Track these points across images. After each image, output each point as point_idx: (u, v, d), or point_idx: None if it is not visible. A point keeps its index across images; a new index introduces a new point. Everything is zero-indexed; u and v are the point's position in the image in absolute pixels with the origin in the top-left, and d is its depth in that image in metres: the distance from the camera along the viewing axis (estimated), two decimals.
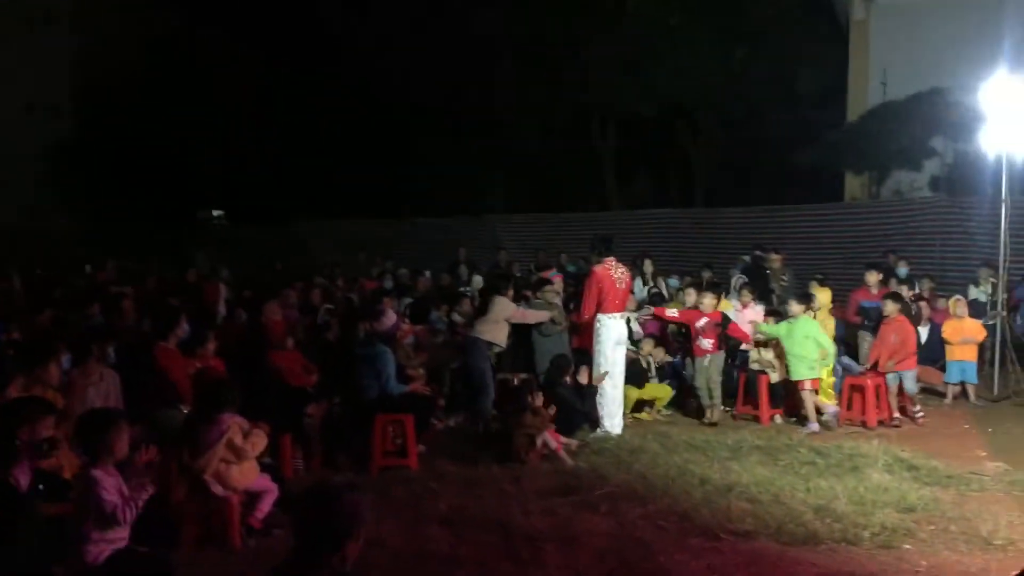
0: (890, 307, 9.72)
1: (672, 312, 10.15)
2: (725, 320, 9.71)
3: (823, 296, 10.50)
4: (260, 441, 5.60)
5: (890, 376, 9.46)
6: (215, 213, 35.51)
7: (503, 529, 5.83)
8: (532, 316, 9.49)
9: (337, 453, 7.44)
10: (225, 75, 27.80)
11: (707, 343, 9.47)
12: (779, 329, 9.52)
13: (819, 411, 9.34)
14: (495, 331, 9.20)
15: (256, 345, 7.77)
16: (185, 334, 6.94)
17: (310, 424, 7.29)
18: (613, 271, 8.97)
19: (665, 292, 12.81)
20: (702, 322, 9.50)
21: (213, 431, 5.39)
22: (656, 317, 10.39)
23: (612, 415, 8.83)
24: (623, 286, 9.06)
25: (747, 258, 14.34)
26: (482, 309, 9.57)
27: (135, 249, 20.11)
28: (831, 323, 10.47)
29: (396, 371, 7.99)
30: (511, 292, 9.73)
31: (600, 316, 8.88)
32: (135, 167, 28.50)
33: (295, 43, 26.10)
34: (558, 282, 10.72)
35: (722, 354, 9.67)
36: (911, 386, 9.55)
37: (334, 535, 2.88)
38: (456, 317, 10.65)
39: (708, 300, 9.63)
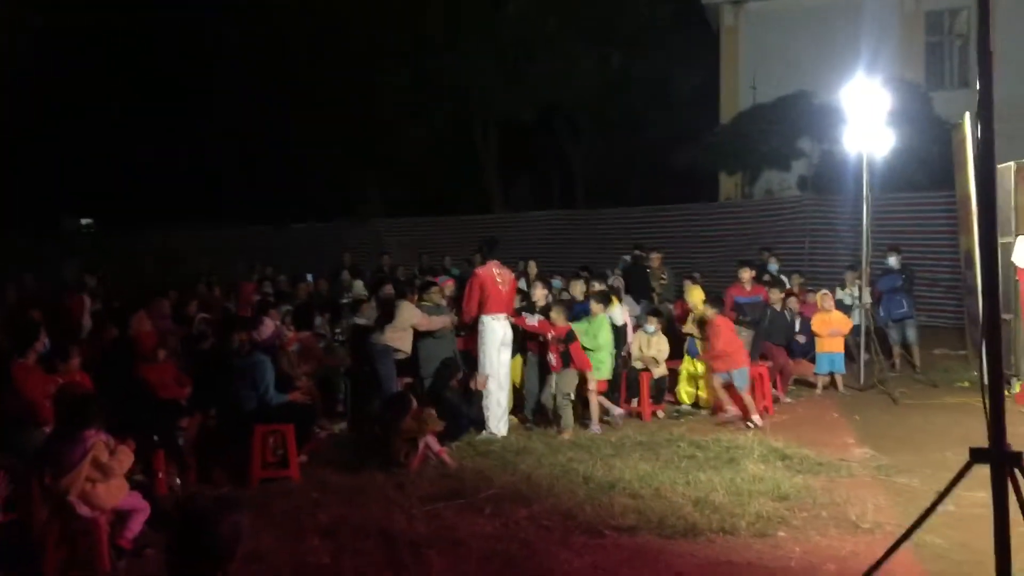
0: (709, 312, 9.66)
1: (532, 321, 9.48)
2: (570, 336, 9.05)
3: (694, 295, 10.73)
4: (127, 458, 5.35)
5: (721, 375, 9.48)
6: (83, 221, 34.02)
7: (386, 537, 5.74)
8: (438, 322, 9.34)
9: (214, 467, 7.19)
10: (93, 76, 26.54)
11: (553, 359, 9.01)
12: (580, 326, 9.31)
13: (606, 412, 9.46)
14: (402, 338, 9.12)
15: (124, 358, 7.44)
16: (45, 349, 6.58)
17: (184, 438, 7.02)
18: (495, 272, 8.98)
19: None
20: (550, 336, 9.06)
21: (76, 449, 5.11)
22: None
23: (498, 417, 8.85)
24: (506, 287, 9.06)
25: (628, 258, 14.59)
26: (387, 316, 9.44)
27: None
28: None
29: (281, 380, 7.80)
30: (415, 297, 9.66)
31: (483, 317, 8.90)
32: None
33: (167, 43, 25.16)
34: (449, 286, 10.65)
35: (572, 372, 9.02)
36: (740, 383, 9.35)
37: (212, 558, 2.76)
38: (360, 321, 10.40)
39: (555, 314, 9.11)
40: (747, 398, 9.29)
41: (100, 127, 26.82)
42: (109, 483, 5.23)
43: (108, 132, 26.79)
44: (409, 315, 9.10)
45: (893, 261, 12.20)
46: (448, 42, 21.42)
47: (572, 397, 9.02)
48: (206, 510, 2.90)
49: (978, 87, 3.44)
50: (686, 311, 10.61)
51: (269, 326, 7.90)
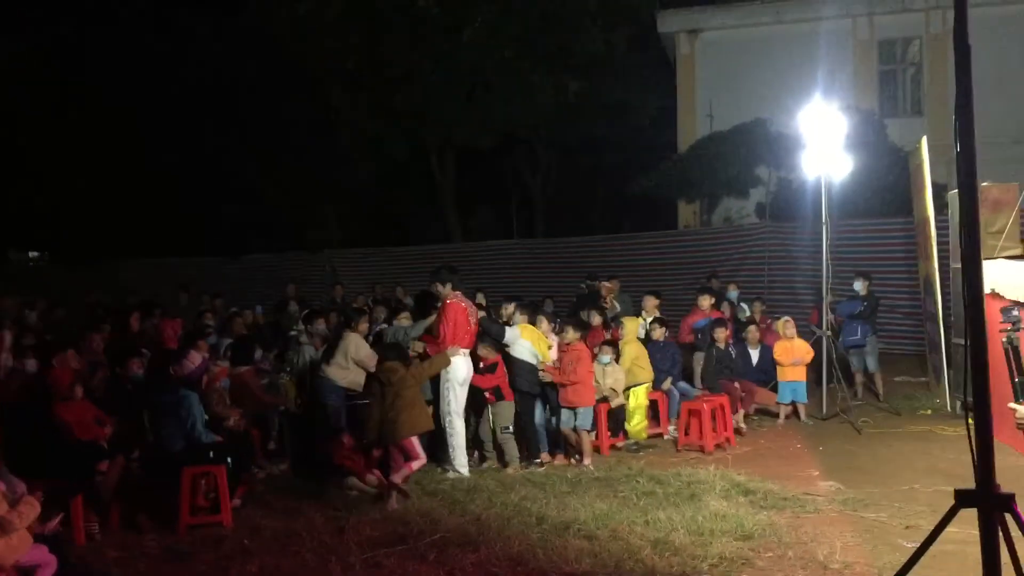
0: (570, 336, 8.99)
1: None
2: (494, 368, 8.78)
3: (630, 325, 10.40)
4: (30, 510, 4.85)
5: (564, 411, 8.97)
6: (31, 254, 33.15)
7: None
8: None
9: (138, 513, 6.65)
10: (45, 103, 25.80)
11: (487, 392, 8.73)
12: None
13: None
14: (346, 373, 8.62)
15: (39, 397, 6.91)
16: None
17: (105, 482, 6.49)
18: (465, 304, 8.52)
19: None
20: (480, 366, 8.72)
21: None
22: None
23: (463, 455, 8.35)
24: (473, 321, 8.61)
25: (584, 286, 14.31)
26: (332, 347, 8.97)
27: None
28: (633, 348, 10.06)
29: (209, 419, 7.32)
30: (364, 327, 9.17)
31: (448, 352, 8.28)
32: None
33: (116, 70, 24.52)
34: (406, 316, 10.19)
35: (507, 405, 8.69)
36: (583, 422, 8.77)
37: None
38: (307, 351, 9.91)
39: (483, 349, 8.71)
40: (586, 439, 8.77)
41: (53, 157, 26.07)
42: (9, 538, 4.72)
43: (60, 163, 26.05)
44: (354, 349, 8.60)
45: (859, 286, 11.98)
46: (405, 70, 21.10)
47: (511, 430, 8.60)
48: None
49: (955, 90, 3.13)
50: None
51: (195, 359, 7.40)
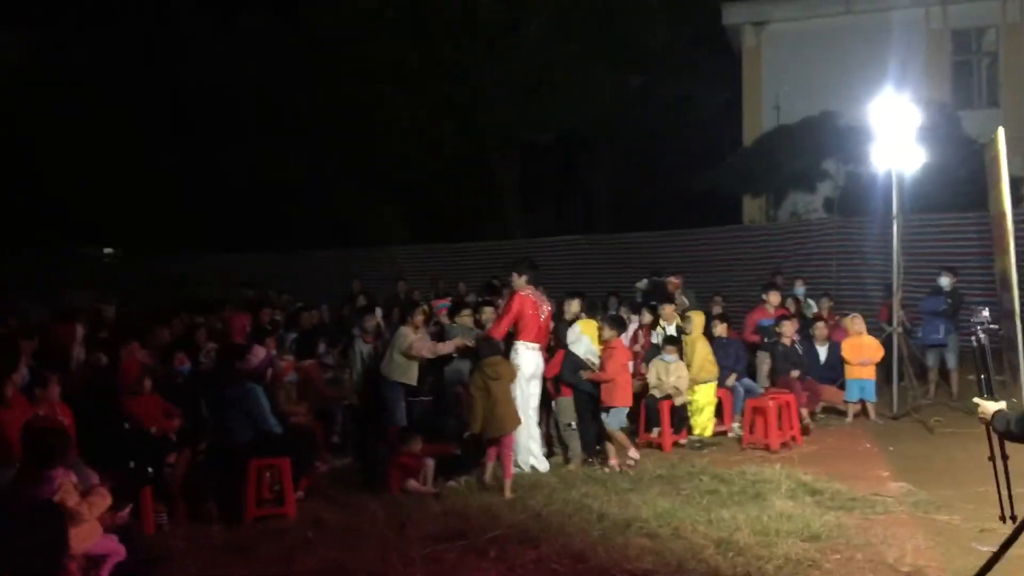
0: (607, 334, 8.77)
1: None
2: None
3: (697, 319, 10.23)
4: (101, 500, 4.95)
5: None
6: (106, 250, 34.03)
7: None
8: (442, 348, 8.87)
9: (205, 504, 6.77)
10: (123, 104, 26.48)
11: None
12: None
13: None
14: (400, 367, 8.62)
15: (109, 390, 7.07)
16: (24, 380, 6.22)
17: (173, 473, 6.62)
18: (536, 299, 8.46)
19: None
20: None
21: (42, 492, 4.72)
22: None
23: (528, 450, 8.25)
24: (544, 317, 8.55)
25: (645, 282, 14.17)
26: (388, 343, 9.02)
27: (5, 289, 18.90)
28: (703, 344, 9.98)
29: (275, 414, 7.40)
30: (419, 320, 9.15)
31: (517, 344, 8.30)
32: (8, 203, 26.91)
33: (189, 76, 25.06)
34: (444, 314, 10.22)
35: (568, 400, 8.61)
36: (615, 422, 8.54)
37: None
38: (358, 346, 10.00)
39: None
40: (619, 436, 8.54)
41: (128, 156, 26.75)
42: (79, 527, 4.83)
43: (137, 161, 26.71)
44: (401, 343, 8.59)
45: (945, 282, 11.62)
46: (465, 67, 21.12)
47: (574, 426, 8.54)
48: None
49: None
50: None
51: (259, 353, 7.49)
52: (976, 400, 4.43)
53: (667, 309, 10.87)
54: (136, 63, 24.88)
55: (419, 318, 9.04)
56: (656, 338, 10.41)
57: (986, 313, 6.29)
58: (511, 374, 7.90)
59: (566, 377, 8.60)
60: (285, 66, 22.57)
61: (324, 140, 22.87)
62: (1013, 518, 4.35)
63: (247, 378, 7.10)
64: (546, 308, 8.65)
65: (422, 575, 5.47)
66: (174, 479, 6.66)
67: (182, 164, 25.72)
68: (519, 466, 8.18)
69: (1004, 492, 4.43)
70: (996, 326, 7.23)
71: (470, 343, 8.88)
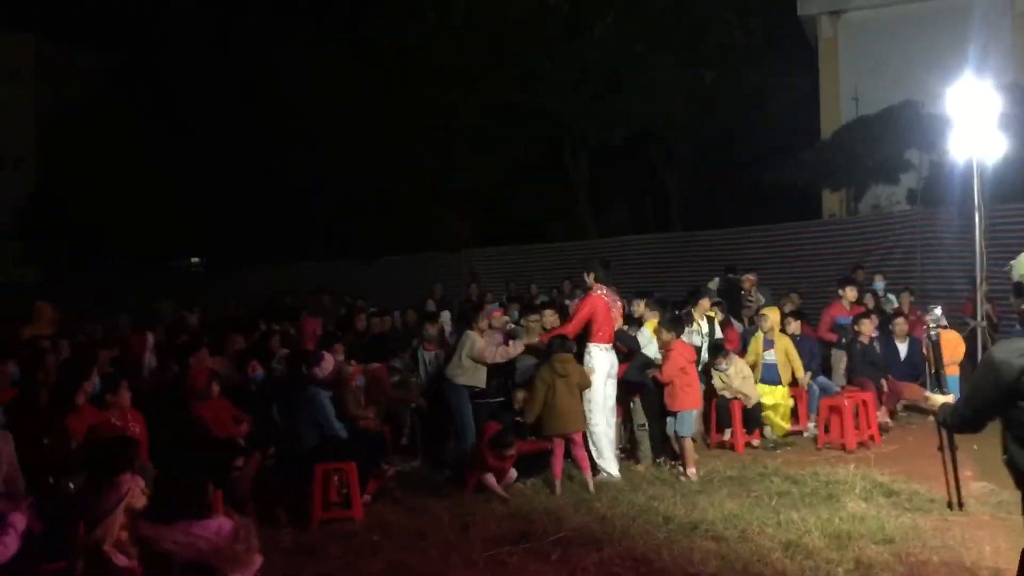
0: (665, 336, 8.56)
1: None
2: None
3: (772, 315, 9.99)
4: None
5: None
6: (193, 260, 35.09)
7: None
8: (504, 352, 8.68)
9: (274, 508, 6.90)
10: (194, 117, 27.35)
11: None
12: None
13: None
14: (466, 372, 8.53)
15: (177, 396, 7.26)
16: (95, 388, 6.43)
17: (241, 478, 6.76)
18: (609, 299, 8.31)
19: None
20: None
21: (111, 496, 4.87)
22: None
23: (610, 454, 8.11)
24: (616, 315, 8.46)
25: (718, 280, 13.94)
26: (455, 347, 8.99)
27: (100, 299, 19.66)
28: (783, 339, 9.81)
29: (343, 419, 7.49)
30: (484, 324, 9.04)
31: (590, 346, 8.16)
32: (104, 216, 28.01)
33: (252, 85, 25.70)
34: (497, 316, 10.16)
35: (639, 401, 8.61)
36: (684, 429, 8.20)
37: None
38: (421, 354, 10.08)
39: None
40: (688, 446, 8.16)
41: (210, 171, 27.60)
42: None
43: (216, 176, 27.54)
44: (469, 347, 8.53)
45: None
46: (531, 68, 21.08)
47: (646, 427, 8.41)
48: None
49: None
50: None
51: (329, 360, 7.60)
52: (927, 394, 4.80)
53: (703, 303, 10.49)
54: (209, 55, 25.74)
55: (484, 322, 8.99)
56: (689, 337, 9.75)
57: (939, 311, 6.53)
58: (580, 375, 7.83)
59: (630, 376, 8.50)
60: (353, 77, 22.87)
61: (392, 151, 23.09)
62: (960, 505, 4.81)
63: (314, 383, 7.21)
64: (617, 306, 8.55)
65: None
66: (242, 483, 6.80)
67: (266, 175, 26.37)
68: (606, 471, 7.99)
69: (952, 480, 4.73)
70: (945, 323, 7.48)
71: (539, 343, 8.78)
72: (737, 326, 11.42)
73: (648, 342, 8.88)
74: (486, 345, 8.61)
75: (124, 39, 30.66)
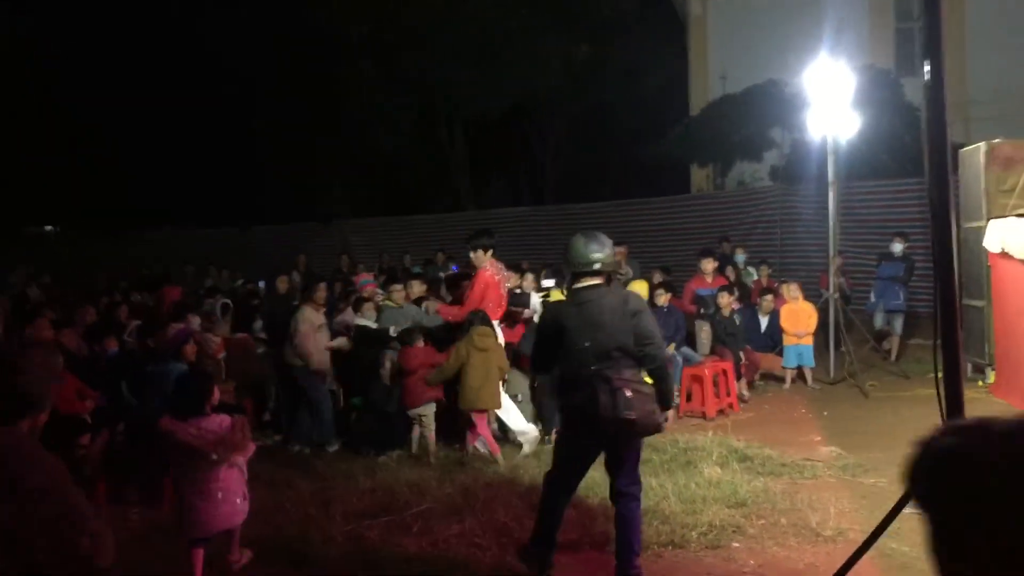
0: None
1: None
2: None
3: (637, 287, 10.15)
4: None
5: None
6: (47, 228, 33.29)
7: (295, 561, 5.20)
8: (332, 344, 8.52)
9: (125, 487, 6.59)
10: (58, 81, 25.77)
11: None
12: None
13: None
14: (304, 350, 8.22)
15: None
16: None
17: (88, 456, 6.43)
18: (498, 274, 8.24)
19: None
20: None
21: None
22: None
23: (513, 417, 8.03)
24: (504, 291, 8.39)
25: None
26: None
27: None
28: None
29: None
30: (319, 296, 8.59)
31: None
32: None
33: (129, 44, 24.41)
34: (370, 289, 9.98)
35: (517, 373, 8.45)
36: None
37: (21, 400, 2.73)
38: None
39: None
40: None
41: (66, 132, 26.11)
42: None
43: (72, 137, 26.09)
44: (295, 327, 8.21)
45: (897, 248, 11.73)
46: (414, 37, 20.76)
47: (520, 399, 8.45)
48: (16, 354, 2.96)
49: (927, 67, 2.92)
50: None
51: (173, 328, 7.28)
52: None
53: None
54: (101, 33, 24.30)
55: (320, 294, 8.56)
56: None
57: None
58: (500, 357, 7.75)
59: (523, 349, 8.47)
60: (249, 41, 21.97)
61: (268, 112, 22.40)
62: None
63: (169, 356, 6.89)
64: (504, 280, 8.49)
65: (339, 552, 5.36)
66: (90, 461, 6.46)
67: (141, 136, 25.20)
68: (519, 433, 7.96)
69: None
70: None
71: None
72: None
73: (538, 310, 8.84)
74: (311, 329, 8.25)
75: None
